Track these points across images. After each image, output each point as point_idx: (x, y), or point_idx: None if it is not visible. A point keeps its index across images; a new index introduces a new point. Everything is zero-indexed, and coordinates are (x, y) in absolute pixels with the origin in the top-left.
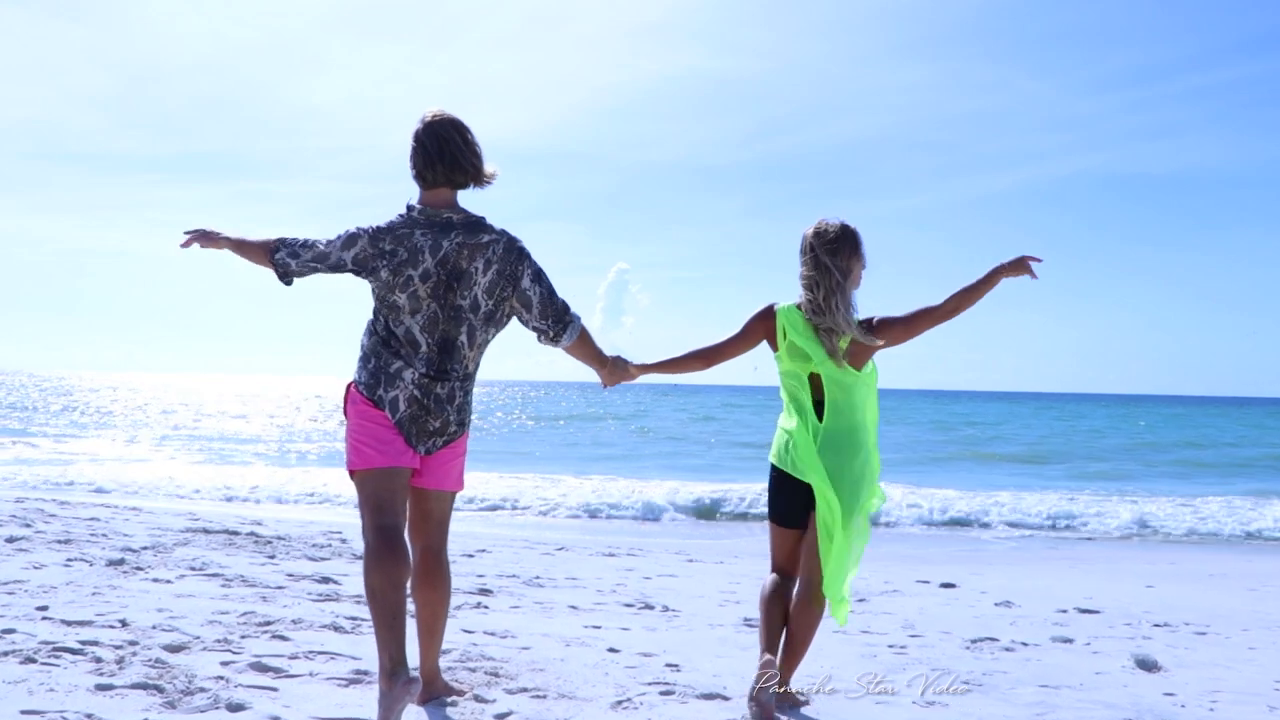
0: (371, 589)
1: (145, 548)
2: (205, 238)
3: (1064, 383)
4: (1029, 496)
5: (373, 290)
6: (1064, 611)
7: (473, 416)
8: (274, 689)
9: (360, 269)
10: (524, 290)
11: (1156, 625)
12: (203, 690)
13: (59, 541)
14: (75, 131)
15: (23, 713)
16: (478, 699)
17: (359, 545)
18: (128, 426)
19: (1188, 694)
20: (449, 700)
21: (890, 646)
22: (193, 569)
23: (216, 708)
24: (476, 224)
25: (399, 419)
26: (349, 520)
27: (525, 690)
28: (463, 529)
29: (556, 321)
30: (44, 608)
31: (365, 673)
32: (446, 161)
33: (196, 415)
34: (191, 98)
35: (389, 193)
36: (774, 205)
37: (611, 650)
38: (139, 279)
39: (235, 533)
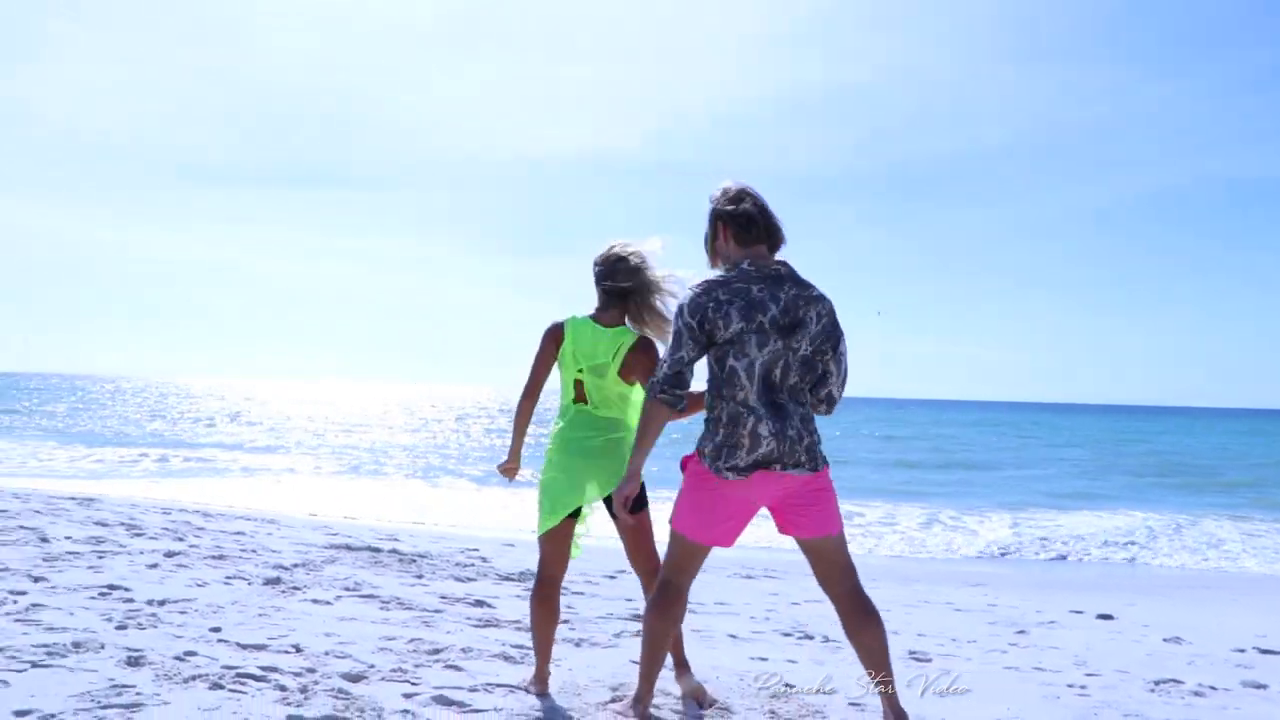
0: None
1: (296, 565)
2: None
3: (1190, 396)
4: (1181, 518)
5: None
6: (1242, 651)
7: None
8: (462, 716)
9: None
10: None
11: None
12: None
13: (213, 557)
14: (188, 146)
15: None
16: None
17: (500, 565)
18: (309, 442)
19: None
20: None
21: (1069, 686)
22: (347, 589)
23: None
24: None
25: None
26: (484, 537)
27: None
28: (595, 545)
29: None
30: (217, 629)
31: (550, 709)
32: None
33: (347, 427)
34: (297, 113)
35: (490, 203)
36: (888, 215)
37: (788, 686)
38: (254, 288)
39: (377, 550)
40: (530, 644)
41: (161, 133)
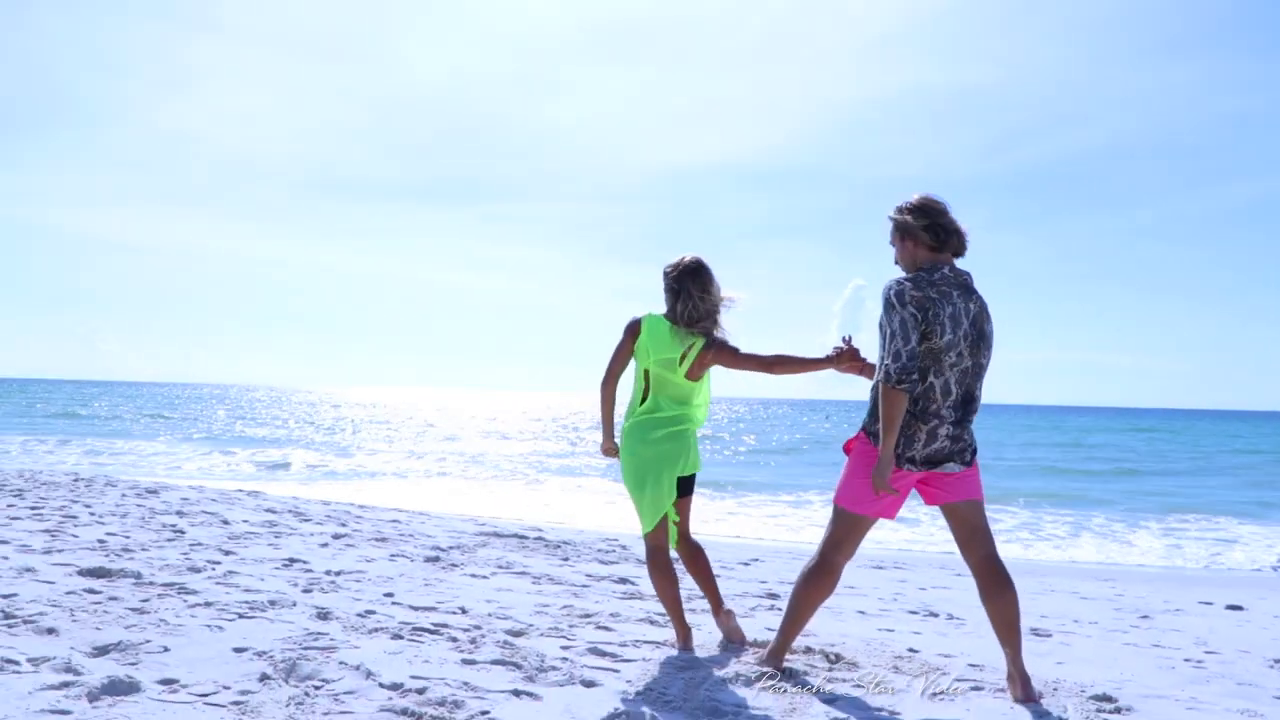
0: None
1: (451, 547)
2: None
3: None
4: None
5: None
6: None
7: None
8: (616, 670)
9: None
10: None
11: None
12: (555, 668)
13: (376, 539)
14: (330, 162)
15: (412, 677)
16: (803, 684)
17: (639, 551)
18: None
19: None
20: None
21: (1187, 660)
22: (500, 567)
23: (572, 683)
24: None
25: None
26: (622, 530)
27: (844, 680)
28: (727, 531)
29: None
30: (390, 594)
31: (696, 659)
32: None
33: (487, 433)
34: (438, 127)
35: (623, 213)
36: (1017, 218)
37: (911, 650)
38: (386, 298)
39: (524, 537)
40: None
41: (309, 151)
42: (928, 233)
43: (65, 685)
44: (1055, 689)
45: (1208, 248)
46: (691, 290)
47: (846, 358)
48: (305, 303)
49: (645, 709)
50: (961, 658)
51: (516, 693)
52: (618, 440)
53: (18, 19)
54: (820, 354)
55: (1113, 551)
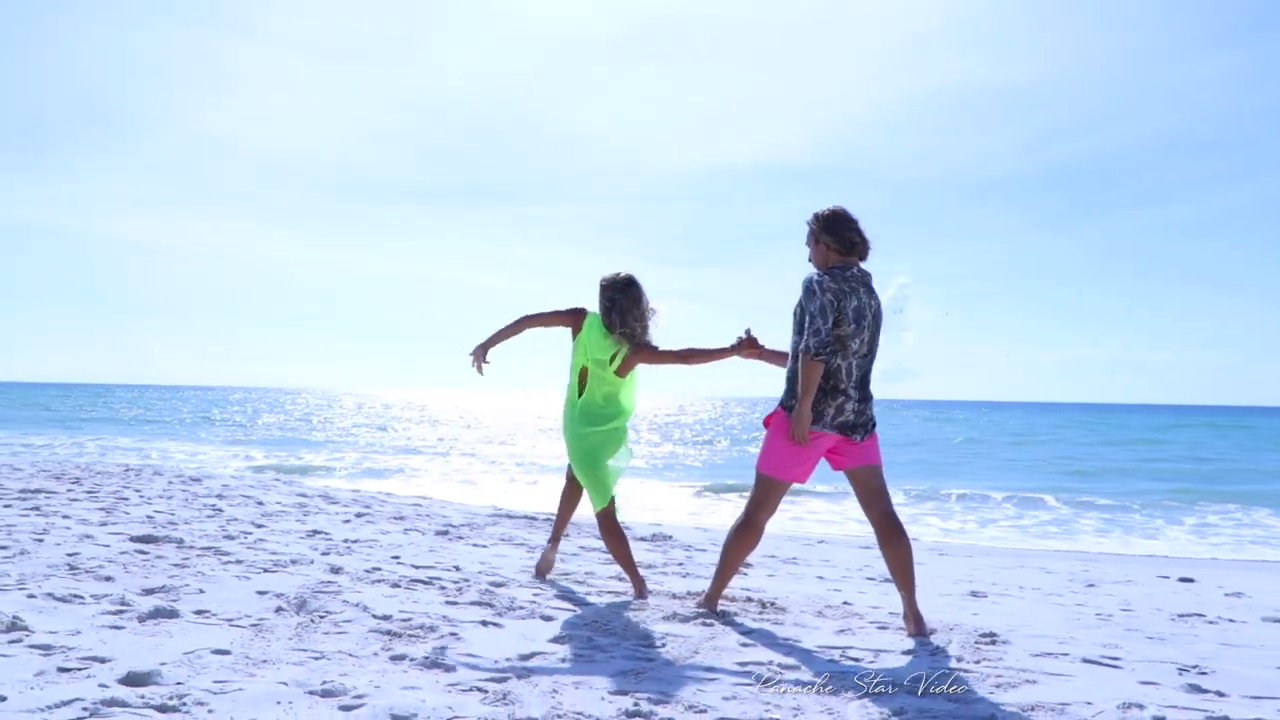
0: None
1: (463, 524)
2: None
3: None
4: None
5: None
6: None
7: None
8: (575, 610)
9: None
10: None
11: None
12: (521, 607)
13: (395, 518)
14: (363, 164)
15: (400, 612)
16: (730, 622)
17: (640, 530)
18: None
19: None
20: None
21: (1097, 615)
22: (503, 539)
23: (533, 618)
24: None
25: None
26: (639, 518)
27: (769, 621)
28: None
29: None
30: (396, 557)
31: (645, 605)
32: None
33: (534, 432)
34: (471, 129)
35: (655, 213)
36: (1057, 216)
37: (846, 603)
38: (419, 301)
39: (534, 518)
40: (637, 566)
41: (344, 154)
42: (837, 240)
43: (120, 612)
44: (951, 629)
45: (1249, 242)
46: (623, 304)
47: (746, 345)
48: (342, 305)
49: (587, 633)
50: (887, 609)
51: (484, 623)
52: (487, 361)
53: (63, 30)
54: (726, 344)
55: None
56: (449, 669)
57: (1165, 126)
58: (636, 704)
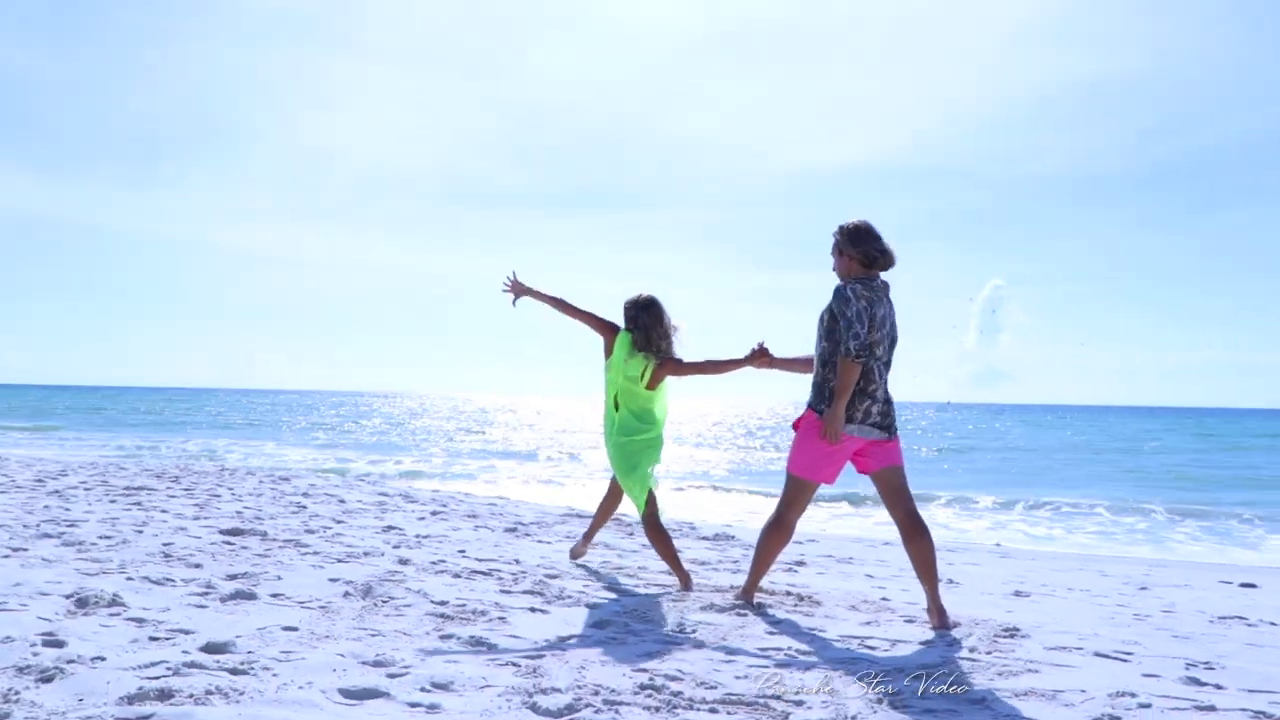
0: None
1: (533, 523)
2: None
3: None
4: None
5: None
6: None
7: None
8: (619, 600)
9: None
10: None
11: None
12: (569, 596)
13: (468, 515)
14: (465, 173)
15: (456, 598)
16: (762, 614)
17: (704, 530)
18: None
19: None
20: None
21: (1136, 615)
22: (568, 537)
23: (578, 605)
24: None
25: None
26: (711, 520)
27: (802, 613)
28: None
29: None
30: (462, 551)
31: (686, 596)
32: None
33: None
34: (573, 136)
35: (758, 217)
36: (1168, 214)
37: (884, 599)
38: (521, 307)
39: None
40: (682, 563)
41: (445, 163)
42: (861, 253)
43: (205, 593)
44: (977, 624)
45: None
46: (647, 322)
47: (759, 356)
48: (445, 312)
49: (625, 620)
50: (923, 605)
51: (532, 609)
52: (514, 305)
53: (174, 49)
54: (741, 355)
55: None
56: (491, 647)
57: (1277, 119)
58: (652, 679)
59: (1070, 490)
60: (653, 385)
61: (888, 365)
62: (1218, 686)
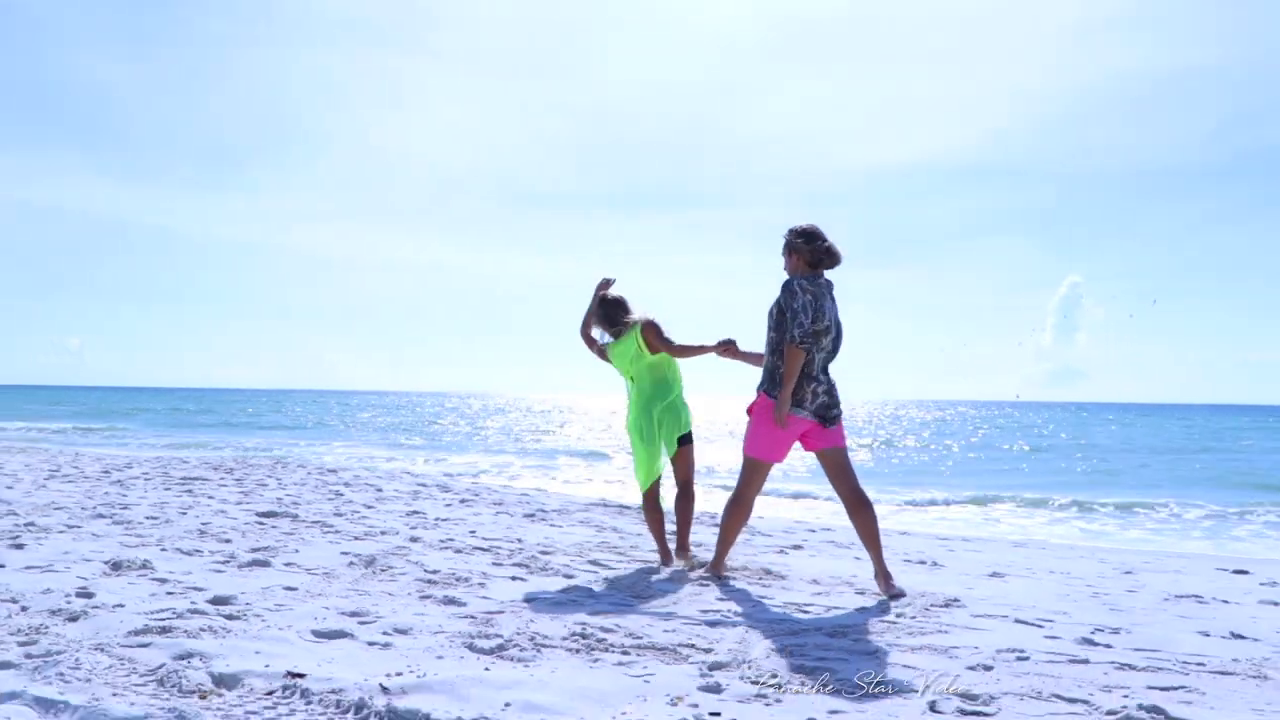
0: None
1: (554, 511)
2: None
3: None
4: None
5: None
6: None
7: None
8: (596, 572)
9: None
10: None
11: None
12: (552, 569)
13: (495, 504)
14: (533, 175)
15: (448, 569)
16: (724, 585)
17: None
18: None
19: None
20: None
21: (1095, 595)
22: (581, 523)
23: (556, 576)
24: None
25: None
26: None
27: (765, 586)
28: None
29: None
30: (473, 531)
31: (659, 569)
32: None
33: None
34: (639, 137)
35: (825, 215)
36: (1247, 208)
37: (854, 576)
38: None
39: (627, 507)
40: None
41: (513, 165)
42: (809, 252)
43: (226, 562)
44: (921, 595)
45: None
46: (610, 313)
47: (725, 346)
48: (511, 311)
49: (593, 587)
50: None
51: (513, 578)
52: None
53: (245, 55)
54: (710, 342)
55: None
56: (461, 605)
57: None
58: (586, 630)
59: (1149, 490)
60: (653, 349)
61: (832, 355)
62: (1107, 646)
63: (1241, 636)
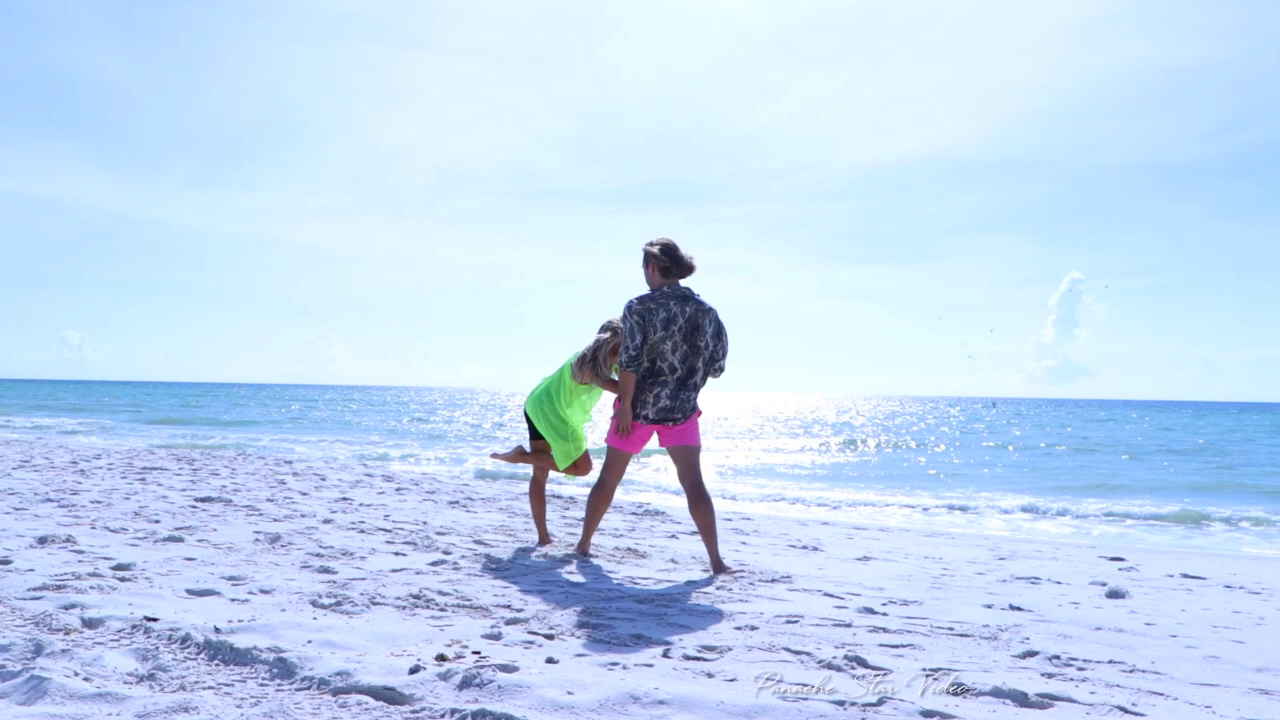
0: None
1: (483, 499)
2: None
3: None
4: None
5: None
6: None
7: None
8: (476, 548)
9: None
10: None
11: None
12: (436, 547)
13: (428, 492)
14: (537, 169)
15: (341, 546)
16: (584, 563)
17: (628, 509)
18: None
19: None
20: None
21: (932, 576)
22: (500, 509)
23: (433, 550)
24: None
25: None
26: (653, 499)
27: (619, 562)
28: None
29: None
30: (387, 515)
31: (535, 549)
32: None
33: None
34: (643, 132)
35: (829, 211)
36: (1247, 205)
37: (739, 563)
38: (600, 301)
39: (561, 498)
40: (546, 524)
41: (518, 160)
42: (659, 265)
43: (145, 538)
44: (756, 572)
45: None
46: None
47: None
48: (515, 308)
49: (458, 560)
50: (745, 565)
51: (395, 554)
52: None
53: (244, 50)
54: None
55: None
56: (332, 573)
57: None
58: (422, 591)
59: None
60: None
61: (689, 358)
62: (883, 615)
63: (1019, 609)
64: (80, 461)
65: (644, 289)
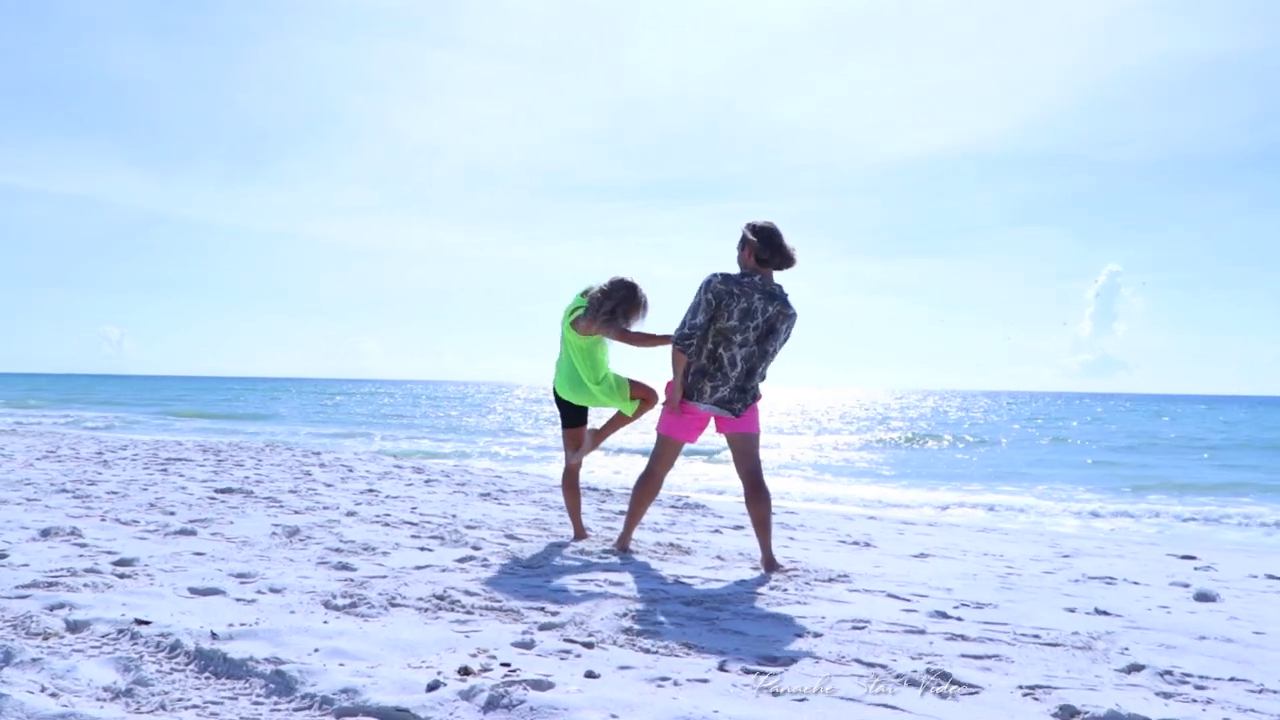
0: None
1: (514, 491)
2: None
3: None
4: None
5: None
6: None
7: None
8: (506, 544)
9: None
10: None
11: None
12: (464, 542)
13: (459, 484)
14: (570, 167)
15: (363, 541)
16: (626, 558)
17: (667, 502)
18: None
19: None
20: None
21: (996, 574)
22: (533, 502)
23: (462, 546)
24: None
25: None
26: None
27: (672, 561)
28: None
29: None
30: (414, 508)
31: (571, 543)
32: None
33: None
34: (667, 128)
35: (858, 206)
36: None
37: (789, 560)
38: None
39: (598, 489)
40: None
41: (546, 156)
42: (758, 249)
43: (155, 531)
44: (812, 570)
45: None
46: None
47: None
48: (543, 303)
49: (487, 557)
50: (798, 563)
51: (420, 549)
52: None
53: (275, 48)
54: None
55: None
56: (351, 570)
57: None
58: (447, 591)
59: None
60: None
61: (756, 356)
62: (958, 619)
63: (1105, 613)
64: (105, 453)
65: (733, 268)
